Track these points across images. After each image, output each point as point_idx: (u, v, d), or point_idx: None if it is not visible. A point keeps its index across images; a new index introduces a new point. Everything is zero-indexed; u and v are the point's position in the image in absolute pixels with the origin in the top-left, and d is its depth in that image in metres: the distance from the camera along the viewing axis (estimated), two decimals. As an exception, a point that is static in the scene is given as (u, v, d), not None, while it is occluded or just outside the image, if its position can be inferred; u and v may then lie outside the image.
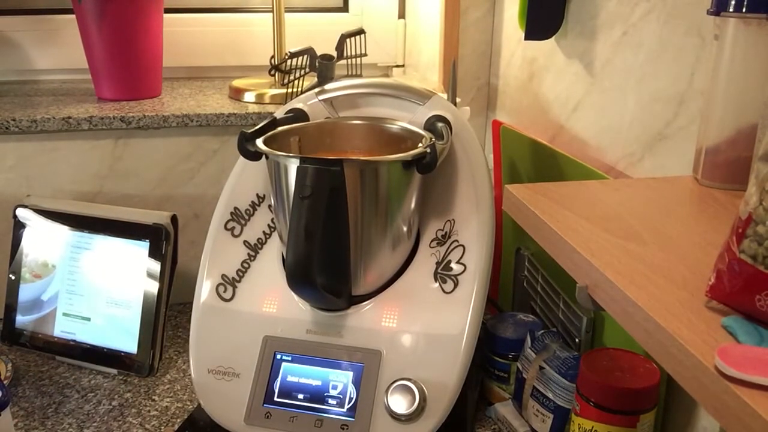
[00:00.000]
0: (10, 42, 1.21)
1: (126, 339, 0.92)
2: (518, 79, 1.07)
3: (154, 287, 0.91)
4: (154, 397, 0.88)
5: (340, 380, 0.75)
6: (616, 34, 0.81)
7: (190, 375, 0.88)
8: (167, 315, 0.94)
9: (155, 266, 0.91)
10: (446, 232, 0.79)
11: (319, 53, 1.03)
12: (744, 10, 0.54)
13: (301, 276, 0.69)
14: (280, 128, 0.79)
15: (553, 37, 0.94)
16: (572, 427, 0.71)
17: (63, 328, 0.95)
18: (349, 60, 1.11)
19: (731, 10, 0.54)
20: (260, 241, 0.82)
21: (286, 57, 1.04)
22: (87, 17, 1.06)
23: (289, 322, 0.78)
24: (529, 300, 0.96)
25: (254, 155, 0.75)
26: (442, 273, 0.77)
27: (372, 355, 0.75)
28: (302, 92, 0.93)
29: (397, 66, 1.34)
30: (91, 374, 0.93)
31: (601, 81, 0.85)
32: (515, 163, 1.01)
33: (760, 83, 0.55)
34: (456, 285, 0.76)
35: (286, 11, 1.16)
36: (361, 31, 1.12)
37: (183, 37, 1.25)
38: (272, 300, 0.79)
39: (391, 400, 0.72)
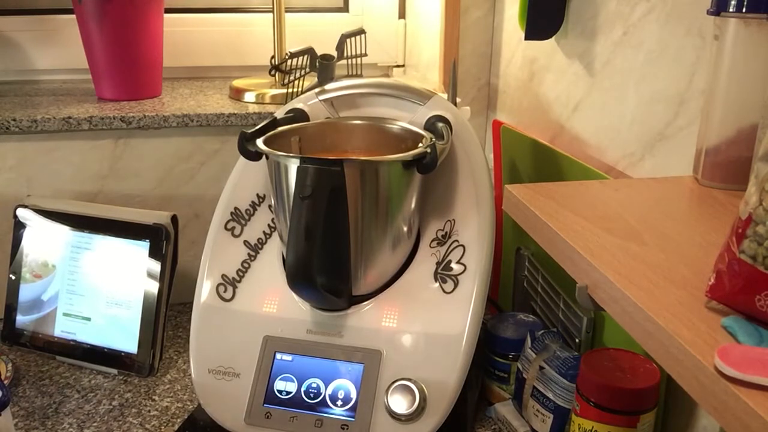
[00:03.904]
0: (11, 42, 1.21)
1: (126, 339, 0.92)
2: (518, 79, 1.07)
3: (154, 287, 0.91)
4: (154, 397, 0.88)
5: (341, 380, 0.75)
6: (616, 34, 0.81)
7: (190, 375, 0.88)
8: (167, 315, 0.94)
9: (155, 266, 0.91)
10: (446, 232, 0.79)
11: (319, 53, 1.03)
12: (744, 10, 0.54)
13: (301, 276, 0.69)
14: (280, 128, 0.79)
15: (554, 37, 0.94)
16: (572, 427, 0.71)
17: (63, 328, 0.95)
18: (350, 60, 1.11)
19: (731, 10, 0.54)
20: (260, 241, 0.82)
21: (287, 57, 1.04)
22: (87, 17, 1.06)
23: (289, 322, 0.78)
24: (530, 300, 0.96)
25: (254, 155, 0.75)
26: (443, 273, 0.77)
27: (372, 355, 0.75)
28: (302, 92, 0.93)
29: (398, 66, 1.34)
30: (91, 374, 0.93)
31: (601, 81, 0.85)
32: (515, 163, 1.01)
33: (760, 83, 0.55)
34: (456, 285, 0.76)
35: (286, 11, 1.16)
36: (361, 31, 1.12)
37: (183, 37, 1.26)
38: (272, 300, 0.79)
39: (391, 400, 0.72)
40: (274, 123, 0.79)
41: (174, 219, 0.92)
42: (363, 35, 1.12)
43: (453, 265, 0.77)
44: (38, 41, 1.22)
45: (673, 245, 0.49)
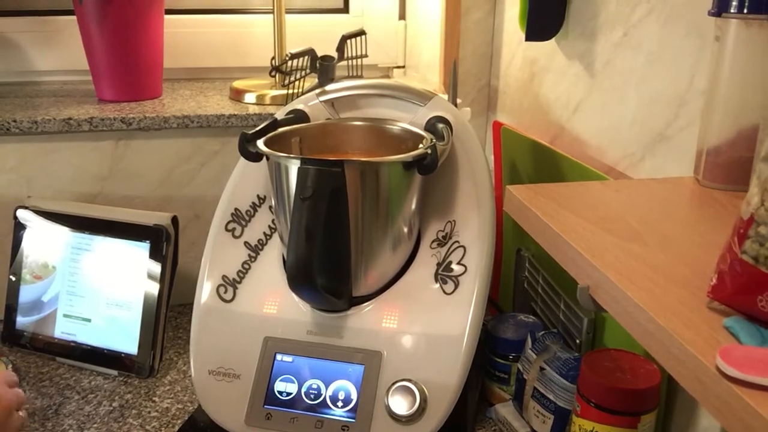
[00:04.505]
0: (11, 43, 1.21)
1: (126, 340, 0.91)
2: (519, 80, 1.07)
3: (154, 288, 0.91)
4: (154, 399, 0.88)
5: (341, 381, 0.75)
6: (616, 35, 0.81)
7: (190, 376, 0.88)
8: (168, 316, 0.94)
9: (156, 267, 0.91)
10: (447, 233, 0.78)
11: (319, 54, 1.03)
12: (745, 11, 0.54)
13: (301, 277, 0.69)
14: (280, 129, 0.79)
15: (554, 38, 0.94)
16: (573, 428, 0.71)
17: (63, 330, 0.95)
18: (350, 61, 1.11)
19: (732, 11, 0.54)
20: (261, 242, 0.82)
21: (287, 58, 1.04)
22: (88, 18, 1.06)
23: (289, 323, 0.78)
24: (530, 301, 0.96)
25: (255, 156, 0.75)
26: (443, 274, 0.77)
27: (372, 356, 0.75)
28: (303, 93, 0.93)
29: (398, 67, 1.34)
30: (91, 375, 0.93)
31: (601, 82, 0.85)
32: (516, 164, 1.01)
33: (761, 84, 0.55)
34: (457, 286, 0.75)
35: (286, 12, 1.16)
36: (361, 32, 1.12)
37: (184, 38, 1.26)
38: (273, 301, 0.79)
39: (391, 401, 0.72)
40: (275, 124, 0.79)
41: (174, 220, 0.92)
42: (363, 36, 1.12)
43: (453, 266, 0.76)
44: (39, 42, 1.22)
45: (674, 246, 0.49)
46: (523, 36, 0.96)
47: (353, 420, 0.73)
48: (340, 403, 0.74)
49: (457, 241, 0.77)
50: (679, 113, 0.71)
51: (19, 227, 0.98)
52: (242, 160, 0.81)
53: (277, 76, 1.12)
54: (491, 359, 0.86)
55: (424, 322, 0.75)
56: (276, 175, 0.74)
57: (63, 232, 0.96)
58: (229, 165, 0.92)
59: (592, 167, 0.80)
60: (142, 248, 0.92)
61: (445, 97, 0.85)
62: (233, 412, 0.76)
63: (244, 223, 0.83)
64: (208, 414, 0.77)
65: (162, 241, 0.91)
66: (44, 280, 0.96)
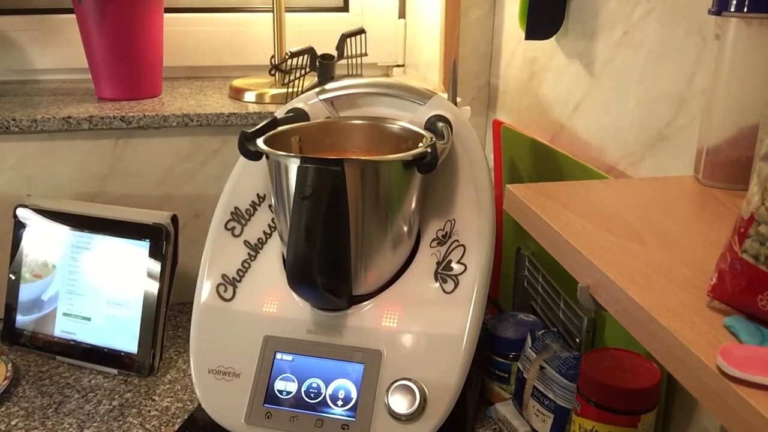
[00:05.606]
0: (11, 42, 1.20)
1: (126, 339, 0.91)
2: (519, 79, 1.07)
3: (154, 287, 0.91)
4: (154, 397, 0.88)
5: (341, 380, 0.75)
6: (616, 33, 0.81)
7: (190, 375, 0.88)
8: (167, 315, 0.94)
9: (155, 266, 0.91)
10: (447, 232, 0.78)
11: (319, 53, 1.03)
12: (745, 9, 0.54)
13: (301, 276, 0.69)
14: (280, 128, 0.79)
15: (554, 37, 0.94)
16: (573, 427, 0.71)
17: (63, 328, 0.95)
18: (350, 60, 1.11)
19: (732, 9, 0.54)
20: (261, 240, 0.82)
21: (287, 57, 1.04)
22: (87, 17, 1.06)
23: (289, 322, 0.78)
24: (530, 300, 0.96)
25: (255, 155, 0.75)
26: (443, 273, 0.77)
27: (372, 355, 0.75)
28: (303, 92, 0.93)
29: (398, 66, 1.34)
30: (91, 374, 0.93)
31: (601, 81, 0.85)
32: (516, 162, 1.01)
33: (761, 83, 0.55)
34: (456, 285, 0.75)
35: (286, 11, 1.16)
36: (361, 31, 1.12)
37: (183, 36, 1.25)
38: (273, 300, 0.79)
39: (391, 400, 0.72)
40: (275, 122, 0.79)
41: (174, 219, 0.92)
42: (363, 35, 1.12)
43: (453, 264, 0.76)
44: (38, 41, 1.21)
45: (675, 245, 0.49)
46: (523, 35, 0.96)
47: (353, 419, 0.73)
48: (340, 402, 0.74)
49: (457, 240, 0.77)
50: (679, 112, 0.71)
51: (19, 226, 0.98)
52: (242, 158, 0.81)
53: (276, 74, 1.12)
54: (491, 358, 0.86)
55: (423, 321, 0.75)
56: (276, 173, 0.74)
57: (63, 230, 0.96)
58: (228, 164, 0.92)
59: (592, 166, 0.80)
60: (141, 247, 0.91)
61: (445, 95, 0.85)
62: (233, 410, 0.76)
63: (243, 221, 0.83)
64: (208, 413, 0.77)
65: (162, 240, 0.91)
66: (44, 278, 0.96)
